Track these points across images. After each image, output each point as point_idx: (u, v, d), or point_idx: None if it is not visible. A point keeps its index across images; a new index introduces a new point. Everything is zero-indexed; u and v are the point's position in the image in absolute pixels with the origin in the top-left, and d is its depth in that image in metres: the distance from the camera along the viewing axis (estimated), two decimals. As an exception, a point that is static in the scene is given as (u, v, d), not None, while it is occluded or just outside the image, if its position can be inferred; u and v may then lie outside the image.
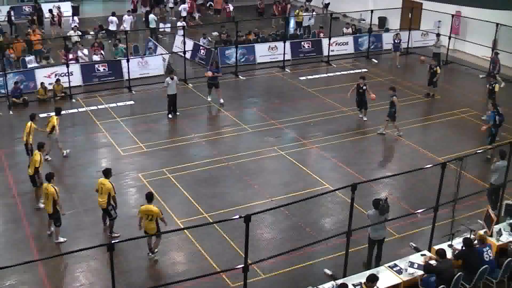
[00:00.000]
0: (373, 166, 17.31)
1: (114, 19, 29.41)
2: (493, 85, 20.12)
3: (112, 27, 29.51)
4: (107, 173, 13.36)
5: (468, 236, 11.92)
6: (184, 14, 33.13)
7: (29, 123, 16.08)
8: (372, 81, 24.74)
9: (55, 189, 12.79)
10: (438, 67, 22.39)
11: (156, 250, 12.62)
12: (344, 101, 21.90)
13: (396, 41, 26.99)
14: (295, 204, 11.75)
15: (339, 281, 10.62)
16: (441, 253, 11.08)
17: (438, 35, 26.17)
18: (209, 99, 21.79)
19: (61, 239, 13.23)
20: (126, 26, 29.07)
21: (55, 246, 13.11)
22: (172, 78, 20.13)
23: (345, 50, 28.91)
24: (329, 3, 36.87)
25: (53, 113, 17.52)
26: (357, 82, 20.26)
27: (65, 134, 18.96)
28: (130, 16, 30.09)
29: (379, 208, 11.75)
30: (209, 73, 21.27)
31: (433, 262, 11.23)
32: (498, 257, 11.90)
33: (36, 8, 32.74)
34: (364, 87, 19.98)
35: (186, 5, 33.76)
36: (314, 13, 32.93)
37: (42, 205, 14.10)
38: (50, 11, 31.59)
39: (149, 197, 12.42)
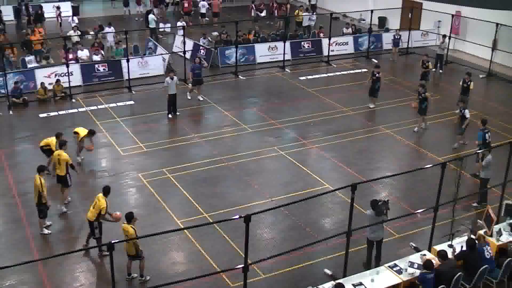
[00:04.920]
0: (373, 166, 17.29)
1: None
2: (468, 83, 20.26)
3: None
4: (106, 191, 12.75)
5: (469, 236, 11.92)
6: (203, 10, 33.36)
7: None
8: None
9: (41, 181, 13.03)
10: (430, 63, 23.17)
11: (146, 277, 11.93)
12: (344, 101, 21.95)
13: (396, 37, 27.92)
14: (295, 204, 11.74)
15: (338, 281, 10.61)
16: (443, 255, 11.06)
17: (444, 36, 26.17)
18: (189, 97, 21.95)
19: (46, 231, 13.42)
20: (109, 39, 27.76)
21: (55, 246, 13.12)
22: (172, 78, 20.12)
23: (345, 50, 28.93)
24: (315, 3, 36.99)
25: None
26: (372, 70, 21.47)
27: (65, 134, 18.89)
28: (111, 28, 28.23)
29: (376, 209, 11.76)
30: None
31: (436, 261, 11.20)
32: (498, 257, 11.90)
33: (27, 9, 32.58)
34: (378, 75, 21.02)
35: (205, 2, 33.77)
36: (314, 13, 32.92)
37: (64, 209, 14.51)
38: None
39: (128, 217, 11.69)
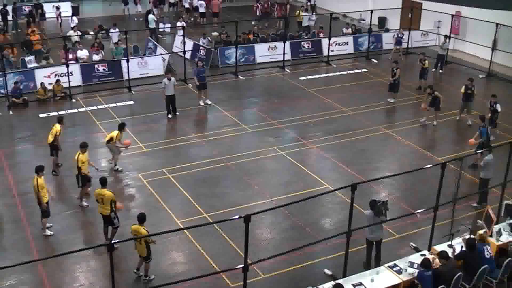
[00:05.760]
0: (373, 166, 17.29)
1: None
2: (472, 89, 20.07)
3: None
4: (102, 182, 12.96)
5: (469, 236, 11.91)
6: (202, 10, 33.42)
7: (57, 126, 16.24)
8: (372, 81, 24.81)
9: (37, 182, 13.10)
10: (426, 61, 23.44)
11: (151, 276, 12.00)
12: (344, 101, 21.97)
13: (399, 35, 28.03)
14: (295, 204, 11.74)
15: (337, 282, 10.61)
16: (444, 256, 11.05)
17: (446, 36, 26.16)
18: (201, 103, 21.68)
19: (48, 232, 13.45)
20: (114, 39, 27.88)
21: (55, 246, 13.12)
22: (169, 79, 20.09)
23: (345, 50, 28.93)
24: (314, 4, 37.02)
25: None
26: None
27: (65, 135, 18.89)
28: (116, 28, 28.47)
29: (375, 209, 11.76)
30: None
31: (436, 262, 11.20)
32: (498, 257, 11.90)
33: (36, 6, 32.74)
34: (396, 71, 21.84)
35: (203, 2, 33.77)
36: (314, 13, 32.90)
37: (85, 203, 14.63)
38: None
39: (140, 219, 11.63)
